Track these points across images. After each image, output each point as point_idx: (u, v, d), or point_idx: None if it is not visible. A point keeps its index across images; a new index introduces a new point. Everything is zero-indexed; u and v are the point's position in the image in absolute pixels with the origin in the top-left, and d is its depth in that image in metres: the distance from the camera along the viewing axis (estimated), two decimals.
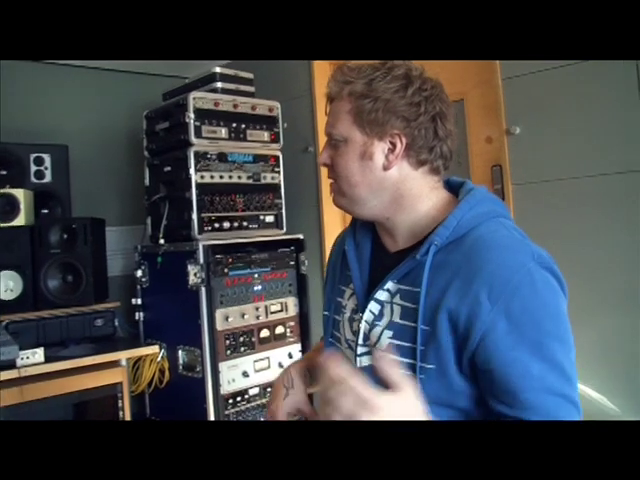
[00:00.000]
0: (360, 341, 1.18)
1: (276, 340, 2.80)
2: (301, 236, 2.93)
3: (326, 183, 3.13)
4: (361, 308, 1.19)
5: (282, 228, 2.93)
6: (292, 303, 2.88)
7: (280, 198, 2.94)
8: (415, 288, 1.09)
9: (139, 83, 3.30)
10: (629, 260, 2.12)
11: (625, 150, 2.13)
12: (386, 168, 1.14)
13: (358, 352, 1.19)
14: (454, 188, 1.20)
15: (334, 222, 3.17)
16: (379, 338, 1.13)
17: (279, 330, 2.81)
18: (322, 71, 3.15)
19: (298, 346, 2.87)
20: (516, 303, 0.99)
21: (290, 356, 2.82)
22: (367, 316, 1.16)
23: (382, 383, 1.13)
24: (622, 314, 2.13)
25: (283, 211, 2.94)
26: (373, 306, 1.16)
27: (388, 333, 1.12)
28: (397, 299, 1.12)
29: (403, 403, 0.83)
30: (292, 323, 2.87)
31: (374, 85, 1.12)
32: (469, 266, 1.02)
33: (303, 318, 2.91)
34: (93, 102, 3.18)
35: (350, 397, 0.83)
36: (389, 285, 1.14)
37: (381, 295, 1.15)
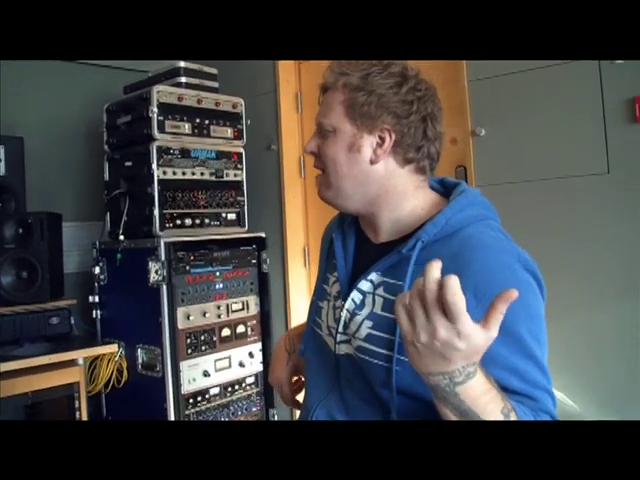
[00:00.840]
0: (340, 329, 1.19)
1: (237, 339, 2.76)
2: (263, 234, 2.89)
3: (290, 182, 3.12)
4: (343, 296, 1.20)
5: (244, 226, 2.90)
6: (253, 302, 2.84)
7: (242, 196, 2.90)
8: (398, 281, 1.10)
9: (98, 75, 3.20)
10: (590, 261, 2.17)
11: (589, 153, 2.18)
12: (373, 162, 1.15)
13: (338, 339, 1.20)
14: (448, 188, 1.22)
15: (296, 221, 3.16)
16: (359, 327, 1.15)
17: (240, 329, 2.77)
18: (287, 69, 3.14)
19: (259, 345, 2.84)
20: None
21: (251, 355, 2.79)
22: (349, 305, 1.18)
23: (357, 372, 1.15)
24: (580, 315, 2.17)
25: (245, 209, 2.91)
26: (355, 295, 1.17)
27: (368, 323, 1.13)
28: (380, 291, 1.14)
29: (486, 336, 0.83)
30: (253, 322, 2.83)
31: (370, 79, 1.13)
32: (455, 265, 1.02)
33: (264, 317, 2.87)
34: (50, 93, 3.07)
35: (445, 327, 0.81)
36: (372, 276, 1.15)
37: (364, 285, 1.16)
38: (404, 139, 1.14)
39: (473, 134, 2.45)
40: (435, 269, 0.81)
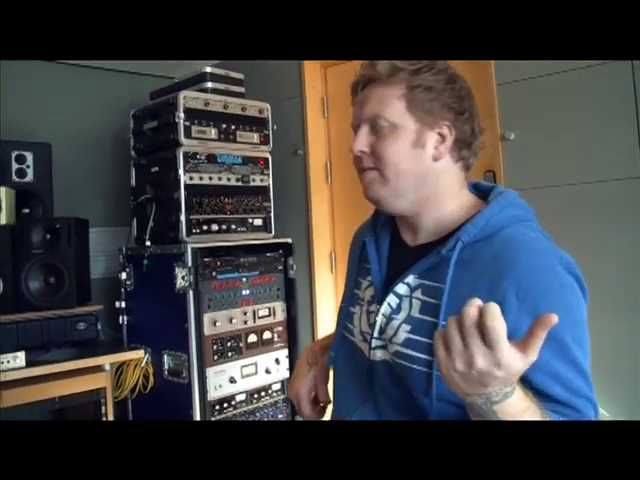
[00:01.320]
0: (375, 334, 1.15)
1: (264, 345, 2.74)
2: (290, 240, 2.87)
3: (316, 188, 3.09)
4: (378, 300, 1.16)
5: (270, 232, 2.88)
6: (280, 308, 2.82)
7: (269, 201, 2.89)
8: (438, 284, 1.07)
9: (125, 82, 3.23)
10: (625, 267, 2.11)
11: (621, 157, 2.13)
12: (436, 159, 1.13)
13: (373, 345, 1.16)
14: (483, 191, 1.19)
15: (322, 226, 3.14)
16: (396, 332, 1.11)
17: (267, 335, 2.76)
18: (313, 73, 3.13)
19: (285, 351, 2.82)
20: (544, 305, 0.97)
21: (277, 362, 2.77)
22: (384, 309, 1.14)
23: (395, 378, 1.11)
24: (611, 320, 2.12)
25: (272, 214, 2.89)
26: (391, 299, 1.13)
27: (406, 327, 1.09)
28: (417, 293, 1.10)
29: (525, 362, 0.79)
30: (280, 328, 2.81)
31: (423, 75, 1.11)
32: (497, 265, 1.01)
33: (291, 323, 2.85)
34: (78, 100, 3.11)
35: (482, 355, 0.78)
36: (409, 279, 1.11)
37: (400, 288, 1.12)
38: (459, 136, 1.12)
39: (502, 138, 2.41)
40: (476, 300, 0.79)
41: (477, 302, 0.79)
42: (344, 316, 1.29)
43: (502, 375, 0.79)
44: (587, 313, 1.05)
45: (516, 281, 0.98)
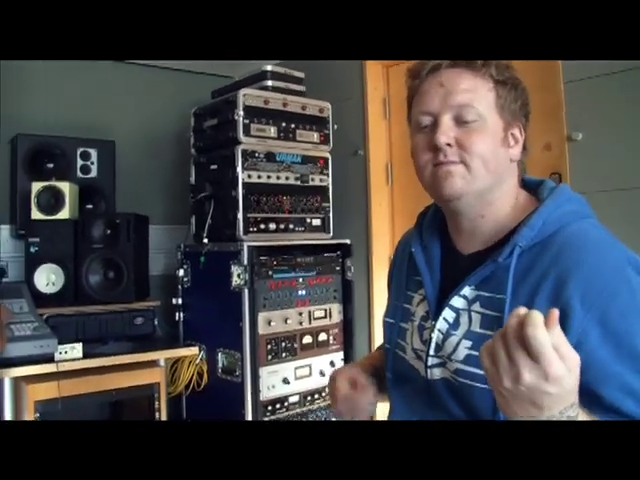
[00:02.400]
0: (431, 352, 1.08)
1: (318, 347, 2.70)
2: (348, 241, 2.83)
3: (376, 189, 3.04)
4: (433, 315, 1.09)
5: (329, 232, 2.84)
6: (336, 310, 2.78)
7: (328, 201, 2.85)
8: (497, 294, 1.00)
9: (188, 81, 3.27)
10: None
11: None
12: (512, 160, 1.07)
13: (429, 363, 1.09)
14: (530, 187, 1.12)
15: (382, 228, 3.08)
16: (455, 348, 1.04)
17: (322, 337, 2.72)
18: (375, 74, 3.07)
19: (341, 354, 2.77)
20: (613, 311, 0.89)
21: (332, 364, 2.72)
22: (440, 325, 1.07)
23: (457, 398, 1.04)
24: None
25: (330, 215, 2.85)
26: (448, 314, 1.06)
27: (466, 343, 1.02)
28: (476, 306, 1.03)
29: (575, 371, 0.73)
30: (336, 330, 2.77)
31: (509, 72, 1.07)
32: (560, 269, 0.93)
33: (347, 326, 2.80)
34: (141, 99, 3.17)
35: (529, 369, 0.72)
36: (465, 291, 1.04)
37: (457, 302, 1.05)
38: (525, 138, 1.09)
39: (569, 139, 2.31)
40: (520, 308, 0.73)
41: (519, 311, 0.73)
42: (395, 333, 1.21)
43: (554, 391, 0.72)
44: None
45: (581, 286, 0.91)
